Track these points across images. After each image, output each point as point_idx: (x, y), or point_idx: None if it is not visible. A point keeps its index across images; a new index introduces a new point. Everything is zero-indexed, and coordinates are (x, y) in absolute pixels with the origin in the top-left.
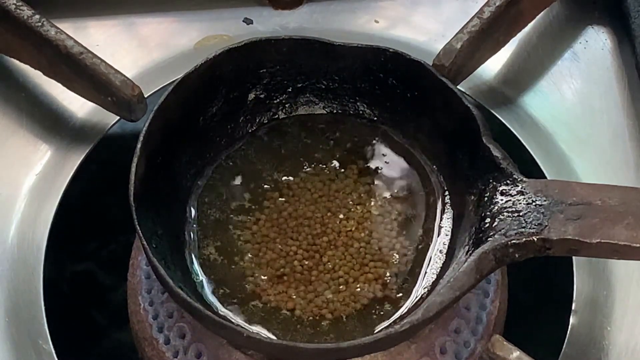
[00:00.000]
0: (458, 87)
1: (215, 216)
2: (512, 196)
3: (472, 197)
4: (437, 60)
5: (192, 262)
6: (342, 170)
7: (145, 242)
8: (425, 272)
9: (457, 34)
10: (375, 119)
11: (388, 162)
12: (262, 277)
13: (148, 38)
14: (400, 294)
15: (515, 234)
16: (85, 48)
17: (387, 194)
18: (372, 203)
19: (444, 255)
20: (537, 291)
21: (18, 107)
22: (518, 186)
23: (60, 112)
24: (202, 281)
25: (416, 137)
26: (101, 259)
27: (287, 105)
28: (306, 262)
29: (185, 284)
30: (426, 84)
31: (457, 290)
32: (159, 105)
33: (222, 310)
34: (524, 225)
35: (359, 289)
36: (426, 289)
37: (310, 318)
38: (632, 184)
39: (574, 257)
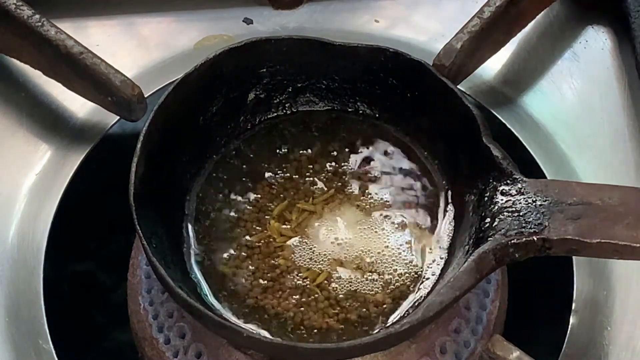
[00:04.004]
0: (458, 87)
1: (215, 216)
2: (512, 196)
3: (472, 197)
4: (437, 60)
5: (191, 262)
6: (342, 169)
7: (145, 242)
8: (425, 272)
9: (457, 34)
10: (375, 118)
11: (388, 162)
12: (262, 277)
13: (148, 38)
14: (401, 294)
15: (516, 233)
16: (85, 48)
17: (387, 194)
18: (373, 202)
19: (444, 256)
20: (537, 291)
21: (18, 107)
22: (518, 186)
23: (60, 112)
24: (201, 281)
25: (416, 136)
26: (101, 259)
27: (287, 105)
28: (305, 261)
29: (185, 284)
30: (426, 83)
31: (457, 290)
32: (159, 105)
33: (222, 309)
34: (524, 225)
35: (359, 289)
36: (426, 289)
37: (310, 318)
38: (632, 184)
39: (574, 257)
